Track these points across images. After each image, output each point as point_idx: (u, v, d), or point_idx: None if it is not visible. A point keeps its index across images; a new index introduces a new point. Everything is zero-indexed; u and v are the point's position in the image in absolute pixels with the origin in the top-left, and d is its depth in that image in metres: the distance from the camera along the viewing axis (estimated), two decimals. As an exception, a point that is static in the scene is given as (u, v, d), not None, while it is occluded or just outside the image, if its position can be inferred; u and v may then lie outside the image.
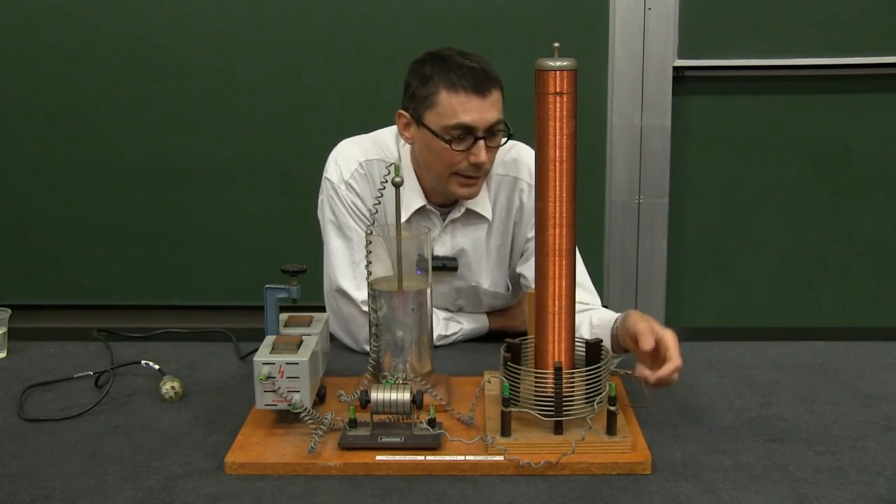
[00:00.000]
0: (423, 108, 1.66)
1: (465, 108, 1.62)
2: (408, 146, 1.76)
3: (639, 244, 3.07)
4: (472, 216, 1.78)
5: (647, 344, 1.39)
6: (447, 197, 1.75)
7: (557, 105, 1.28)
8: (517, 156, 1.80)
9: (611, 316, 1.59)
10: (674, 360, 1.36)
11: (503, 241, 1.82)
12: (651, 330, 1.41)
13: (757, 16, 2.95)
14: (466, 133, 1.63)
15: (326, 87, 2.97)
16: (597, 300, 1.74)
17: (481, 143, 1.64)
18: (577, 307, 1.39)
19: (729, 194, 3.08)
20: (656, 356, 1.40)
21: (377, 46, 2.95)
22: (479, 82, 1.62)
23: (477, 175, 1.68)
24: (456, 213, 1.78)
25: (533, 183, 1.77)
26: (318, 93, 2.98)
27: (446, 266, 1.78)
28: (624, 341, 1.50)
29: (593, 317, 1.63)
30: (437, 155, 1.67)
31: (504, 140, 1.68)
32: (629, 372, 1.42)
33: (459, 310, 1.86)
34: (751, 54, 2.96)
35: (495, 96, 1.64)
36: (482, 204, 1.78)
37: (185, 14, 2.96)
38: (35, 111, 3.04)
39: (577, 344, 1.37)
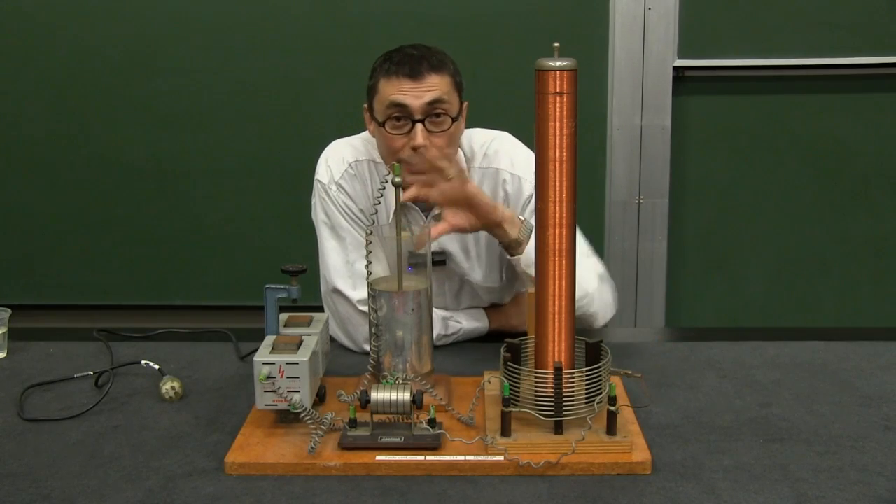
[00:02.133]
0: (370, 98, 1.71)
1: (397, 89, 1.64)
2: None
3: (639, 244, 3.07)
4: None
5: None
6: None
7: (557, 105, 1.28)
8: (498, 146, 1.80)
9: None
10: None
11: None
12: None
13: (757, 16, 2.94)
14: (403, 116, 1.65)
15: (326, 87, 2.97)
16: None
17: (418, 126, 1.64)
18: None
19: (729, 194, 3.08)
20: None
21: (377, 47, 2.89)
22: (414, 67, 1.65)
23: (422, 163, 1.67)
24: (437, 209, 1.76)
25: (514, 171, 1.78)
26: (318, 93, 2.98)
27: (434, 261, 1.77)
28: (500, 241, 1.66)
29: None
30: (384, 143, 1.70)
31: (449, 125, 1.67)
32: (629, 372, 1.41)
33: (459, 306, 1.85)
34: (751, 54, 2.96)
35: (433, 80, 1.65)
36: None
37: (185, 14, 2.96)
38: (35, 111, 3.04)
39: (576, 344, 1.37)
